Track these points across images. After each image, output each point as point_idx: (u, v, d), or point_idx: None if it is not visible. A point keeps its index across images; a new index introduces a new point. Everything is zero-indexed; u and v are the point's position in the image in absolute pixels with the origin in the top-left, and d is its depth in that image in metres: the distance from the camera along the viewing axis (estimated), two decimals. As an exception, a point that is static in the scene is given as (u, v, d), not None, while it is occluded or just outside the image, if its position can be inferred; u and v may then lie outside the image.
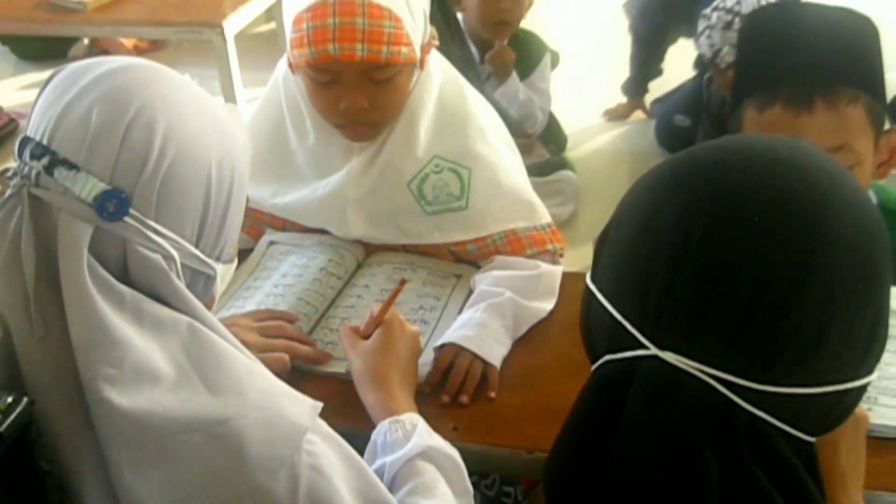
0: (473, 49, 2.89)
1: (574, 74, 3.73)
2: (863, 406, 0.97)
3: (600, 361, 0.85)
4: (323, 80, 1.38)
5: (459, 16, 2.83)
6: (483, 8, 2.81)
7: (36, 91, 0.91)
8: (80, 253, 0.83)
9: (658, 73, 3.63)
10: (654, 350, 0.78)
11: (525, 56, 2.95)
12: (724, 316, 0.74)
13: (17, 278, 0.84)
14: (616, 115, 3.78)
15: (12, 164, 0.89)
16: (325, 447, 0.88)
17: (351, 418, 1.19)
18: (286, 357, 1.30)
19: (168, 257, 0.88)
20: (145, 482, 0.82)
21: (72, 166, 0.84)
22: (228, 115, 0.96)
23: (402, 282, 1.35)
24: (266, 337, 1.32)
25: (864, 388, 0.80)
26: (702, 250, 0.75)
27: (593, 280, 0.87)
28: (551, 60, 3.10)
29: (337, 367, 1.35)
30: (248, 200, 0.99)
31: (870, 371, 0.79)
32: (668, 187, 0.80)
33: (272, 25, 4.31)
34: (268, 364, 0.96)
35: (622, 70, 3.68)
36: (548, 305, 1.47)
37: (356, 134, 1.46)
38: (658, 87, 3.66)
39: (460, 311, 1.45)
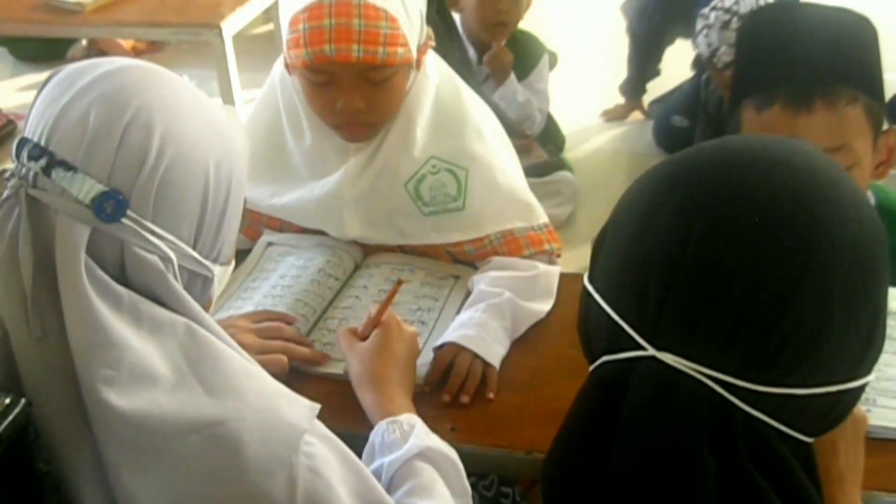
0: (471, 50, 2.90)
1: (572, 75, 3.73)
2: (862, 407, 0.97)
3: (598, 362, 0.85)
4: (319, 81, 1.38)
5: (457, 17, 2.84)
6: (481, 9, 2.80)
7: (34, 92, 0.91)
8: (77, 254, 0.83)
9: (656, 73, 3.64)
10: (651, 351, 0.78)
11: (523, 57, 2.95)
12: (721, 317, 0.74)
13: (14, 279, 0.84)
14: (614, 116, 3.78)
15: (10, 165, 0.89)
16: (322, 448, 0.88)
17: (349, 419, 1.19)
18: (284, 358, 1.30)
19: (165, 259, 0.88)
20: (143, 483, 0.82)
21: (69, 167, 0.84)
22: (226, 117, 0.96)
23: (399, 282, 1.35)
24: (264, 338, 1.32)
25: (861, 389, 0.80)
26: (699, 251, 0.75)
27: (591, 281, 0.87)
28: (549, 61, 3.10)
29: (335, 368, 1.34)
30: (245, 202, 0.99)
31: (868, 372, 0.79)
32: (666, 188, 0.80)
33: (270, 27, 4.31)
34: (265, 365, 0.96)
35: (620, 71, 3.69)
36: (546, 306, 1.47)
37: (353, 135, 1.46)
38: (656, 88, 3.66)
39: (458, 312, 1.45)
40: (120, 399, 0.80)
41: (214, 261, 0.95)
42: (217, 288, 0.99)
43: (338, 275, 1.53)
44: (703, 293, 0.75)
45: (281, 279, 1.50)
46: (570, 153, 3.35)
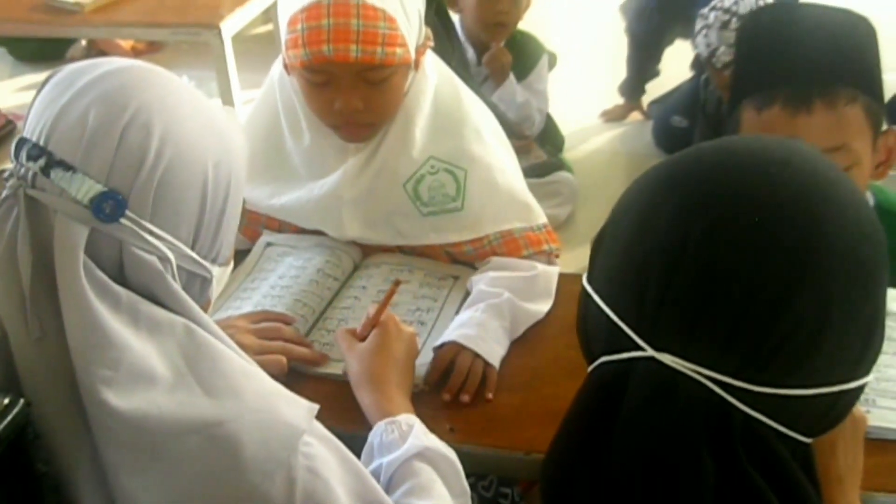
0: (470, 51, 2.90)
1: (571, 76, 3.74)
2: (861, 408, 0.97)
3: (597, 363, 0.85)
4: (318, 81, 1.38)
5: (456, 18, 2.83)
6: (480, 10, 2.80)
7: (33, 92, 0.91)
8: (76, 254, 0.83)
9: (655, 74, 3.64)
10: (650, 351, 0.78)
11: (522, 58, 2.95)
12: (720, 317, 0.74)
13: (13, 279, 0.84)
14: (613, 117, 3.78)
15: (9, 165, 0.89)
16: (321, 449, 0.88)
17: (348, 420, 1.19)
18: (283, 359, 1.30)
19: (164, 259, 0.88)
20: (142, 484, 0.82)
21: (68, 167, 0.84)
22: (225, 118, 0.96)
23: (397, 282, 1.35)
24: (263, 339, 1.32)
25: (860, 390, 0.80)
26: (698, 252, 0.75)
27: (590, 281, 0.87)
28: (548, 62, 3.10)
29: (334, 369, 1.34)
30: (244, 202, 0.99)
31: (866, 372, 0.79)
32: (665, 188, 0.80)
33: (269, 27, 4.31)
34: (264, 366, 0.96)
35: (619, 71, 3.69)
36: (545, 307, 1.47)
37: (351, 135, 1.46)
38: (655, 89, 3.66)
39: (457, 313, 1.45)
40: (119, 399, 0.80)
41: (213, 261, 0.95)
42: (216, 288, 0.99)
43: (336, 275, 1.53)
44: (702, 294, 0.75)
45: (280, 279, 1.50)
46: (570, 154, 3.36)
